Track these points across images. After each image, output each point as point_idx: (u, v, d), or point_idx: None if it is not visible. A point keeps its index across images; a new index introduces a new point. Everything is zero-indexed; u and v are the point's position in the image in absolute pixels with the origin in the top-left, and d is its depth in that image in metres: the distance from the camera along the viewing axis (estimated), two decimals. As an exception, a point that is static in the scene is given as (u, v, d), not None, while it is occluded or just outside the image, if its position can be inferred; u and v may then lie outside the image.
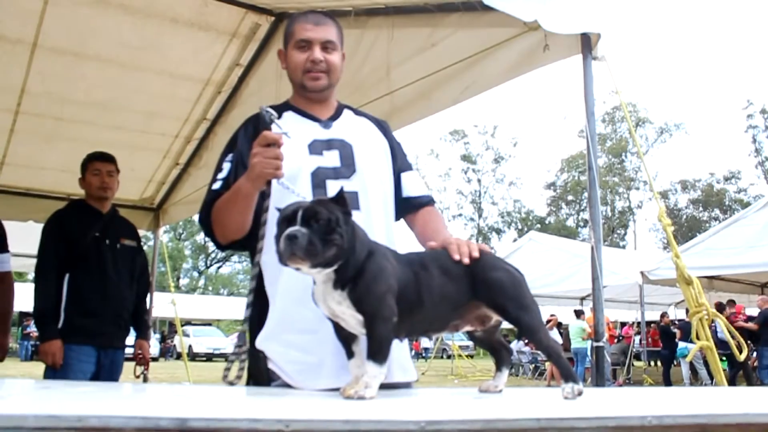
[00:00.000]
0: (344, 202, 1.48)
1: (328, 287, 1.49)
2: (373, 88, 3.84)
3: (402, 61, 3.71)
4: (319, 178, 1.94)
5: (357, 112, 2.21)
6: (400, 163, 2.17)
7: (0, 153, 5.34)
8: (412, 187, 2.17)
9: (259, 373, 1.87)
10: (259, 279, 1.88)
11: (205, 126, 5.36)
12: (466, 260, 1.59)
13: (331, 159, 1.98)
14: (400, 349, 1.97)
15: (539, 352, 16.50)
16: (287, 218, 1.44)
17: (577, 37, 3.01)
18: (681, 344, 15.04)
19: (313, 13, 2.08)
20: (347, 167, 1.98)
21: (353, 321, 1.49)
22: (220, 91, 4.95)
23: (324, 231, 1.42)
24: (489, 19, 3.16)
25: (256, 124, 2.03)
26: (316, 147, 1.98)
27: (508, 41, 3.27)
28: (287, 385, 1.82)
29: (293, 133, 1.94)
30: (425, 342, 28.48)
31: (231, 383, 1.70)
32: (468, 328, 1.65)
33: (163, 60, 4.53)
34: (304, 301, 1.72)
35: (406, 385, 1.98)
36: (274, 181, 1.76)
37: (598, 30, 3.00)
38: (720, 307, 13.41)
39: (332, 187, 1.93)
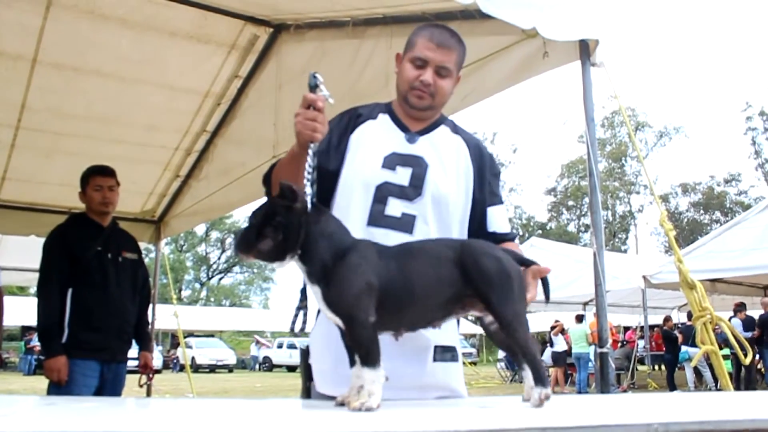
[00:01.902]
0: (291, 195, 1.49)
1: (308, 281, 1.53)
2: (372, 97, 3.77)
3: (401, 70, 3.71)
4: (382, 193, 1.91)
5: (456, 130, 2.12)
6: (489, 196, 2.08)
7: (1, 168, 5.34)
8: (499, 223, 2.08)
9: (306, 369, 1.95)
10: None
11: (205, 138, 5.36)
12: None
13: (401, 176, 1.94)
14: (450, 373, 1.98)
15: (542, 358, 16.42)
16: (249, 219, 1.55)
17: (576, 43, 3.02)
18: (683, 348, 15.02)
19: (442, 30, 2.01)
20: (414, 189, 1.94)
21: (339, 321, 1.51)
22: (219, 103, 4.95)
23: (259, 225, 1.50)
24: (487, 27, 3.16)
25: (350, 117, 2.03)
26: (391, 161, 1.95)
27: (507, 49, 3.28)
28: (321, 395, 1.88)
29: (377, 140, 1.96)
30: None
31: (296, 334, 1.78)
32: (475, 313, 1.63)
33: (163, 73, 4.54)
34: None
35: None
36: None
37: (597, 36, 3.01)
38: (740, 307, 13.43)
39: (392, 206, 1.91)
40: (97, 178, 3.97)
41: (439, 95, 1.99)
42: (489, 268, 1.54)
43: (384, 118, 2.05)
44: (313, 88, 1.76)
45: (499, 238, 2.02)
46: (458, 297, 1.58)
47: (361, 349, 1.46)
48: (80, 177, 4.02)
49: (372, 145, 1.95)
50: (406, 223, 1.90)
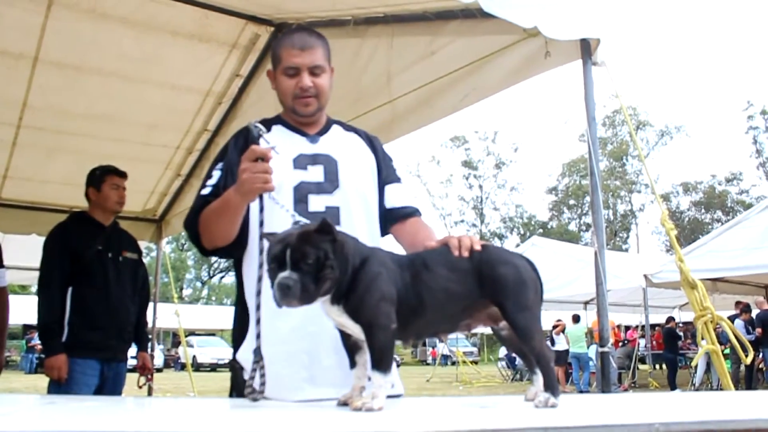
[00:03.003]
0: (329, 230, 1.45)
1: (327, 304, 1.50)
2: (373, 96, 3.84)
3: (402, 69, 3.72)
4: (301, 193, 1.96)
5: (347, 128, 2.22)
6: (385, 176, 2.17)
7: (2, 166, 5.34)
8: (395, 198, 2.16)
9: (238, 385, 1.89)
10: (240, 290, 1.95)
11: (206, 137, 5.36)
12: (466, 253, 1.58)
13: (314, 174, 2.00)
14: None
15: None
16: (276, 259, 1.43)
17: (577, 42, 3.01)
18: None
19: (299, 33, 2.07)
20: (330, 182, 2.00)
21: (357, 329, 1.49)
22: (220, 102, 4.95)
23: (315, 270, 1.42)
24: (488, 26, 3.16)
25: (247, 136, 2.05)
26: (301, 161, 2.01)
27: (508, 48, 3.28)
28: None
29: (280, 146, 1.95)
30: (444, 350, 28.38)
31: (255, 399, 1.65)
32: (480, 326, 1.63)
33: (164, 72, 4.54)
34: (280, 314, 1.70)
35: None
36: (264, 195, 1.77)
37: (598, 35, 3.00)
38: (746, 308, 13.40)
39: (314, 202, 1.97)
40: (115, 177, 4.03)
41: (322, 95, 2.06)
42: (505, 276, 1.54)
43: (278, 128, 2.10)
44: (258, 139, 1.78)
45: (397, 214, 2.13)
46: (469, 309, 1.58)
47: (377, 354, 1.45)
48: (91, 175, 4.03)
49: (279, 153, 1.95)
50: (331, 216, 1.93)
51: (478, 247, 1.60)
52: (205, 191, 2.00)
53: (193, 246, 2.07)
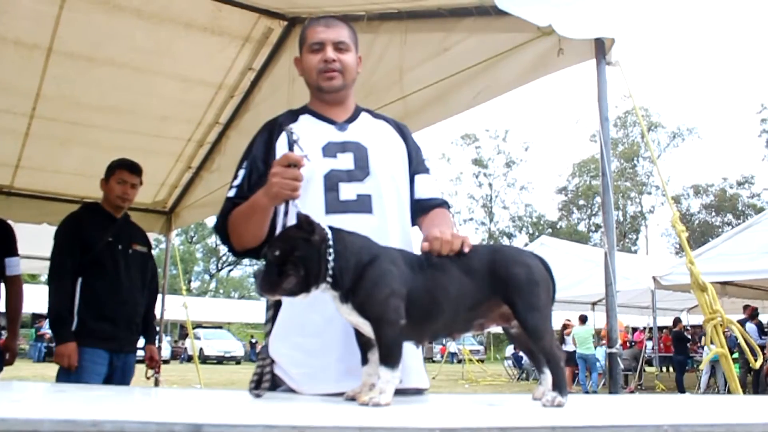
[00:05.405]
0: (308, 227, 1.47)
1: (338, 302, 1.51)
2: (386, 92, 3.83)
3: (415, 65, 3.71)
4: (331, 181, 1.94)
5: (375, 115, 2.19)
6: (415, 166, 2.15)
7: (15, 156, 5.37)
8: (424, 189, 2.14)
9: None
10: None
11: (217, 130, 5.37)
12: (450, 253, 1.59)
13: (344, 162, 1.97)
14: (415, 356, 1.97)
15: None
16: (264, 253, 1.55)
17: (591, 42, 2.99)
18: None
19: (324, 17, 2.09)
20: (361, 170, 1.97)
21: (368, 328, 1.49)
22: (232, 96, 4.96)
23: (279, 264, 1.47)
24: (502, 23, 3.14)
25: (271, 130, 2.04)
26: (330, 149, 1.98)
27: (522, 46, 3.26)
28: (291, 391, 1.83)
29: (309, 135, 1.95)
30: (452, 347, 28.33)
31: (258, 395, 1.65)
32: (494, 326, 1.63)
33: (177, 64, 4.55)
34: (313, 305, 1.72)
35: (419, 392, 1.97)
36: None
37: (612, 35, 2.98)
38: (754, 311, 13.32)
39: (345, 190, 1.94)
40: (124, 172, 4.02)
41: (347, 71, 2.05)
42: (518, 276, 1.54)
43: (306, 118, 2.09)
44: (292, 145, 1.78)
45: (424, 205, 2.10)
46: (482, 308, 1.57)
47: (384, 349, 1.45)
48: (107, 166, 4.06)
49: (305, 141, 1.94)
50: (363, 203, 1.93)
51: (466, 249, 1.60)
52: (231, 193, 2.01)
53: (226, 248, 2.07)
